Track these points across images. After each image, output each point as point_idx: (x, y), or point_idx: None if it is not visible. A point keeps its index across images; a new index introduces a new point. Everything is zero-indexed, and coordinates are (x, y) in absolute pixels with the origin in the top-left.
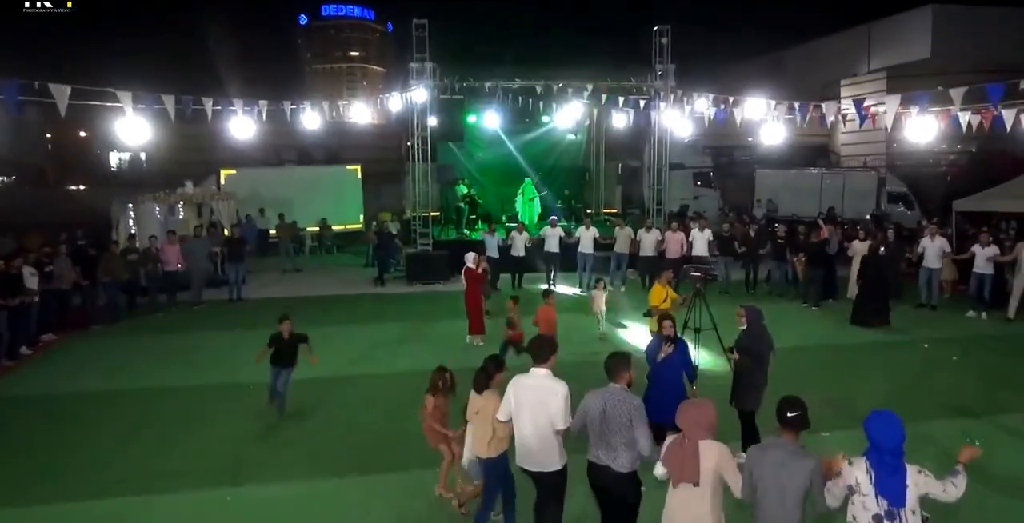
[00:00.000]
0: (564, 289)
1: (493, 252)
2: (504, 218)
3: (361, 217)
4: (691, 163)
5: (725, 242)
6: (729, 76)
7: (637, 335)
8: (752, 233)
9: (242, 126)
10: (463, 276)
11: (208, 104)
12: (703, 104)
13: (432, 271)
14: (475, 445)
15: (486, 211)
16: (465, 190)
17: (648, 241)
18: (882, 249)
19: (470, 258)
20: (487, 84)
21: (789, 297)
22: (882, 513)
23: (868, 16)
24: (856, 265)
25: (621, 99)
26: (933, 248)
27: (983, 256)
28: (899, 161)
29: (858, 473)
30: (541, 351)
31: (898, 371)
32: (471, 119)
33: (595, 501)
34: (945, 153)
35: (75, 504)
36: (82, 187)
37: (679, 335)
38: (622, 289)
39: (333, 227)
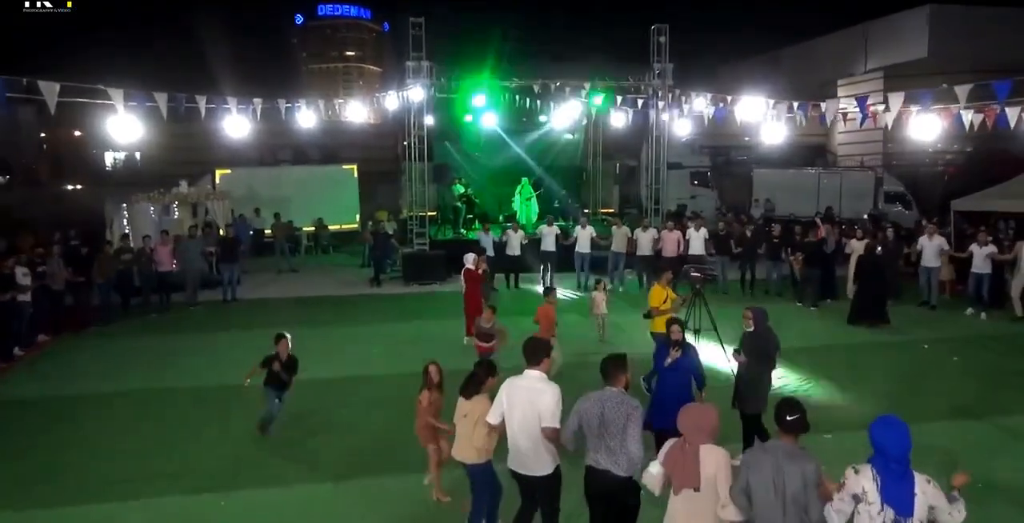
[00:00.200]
0: (561, 290)
1: (489, 252)
2: (501, 218)
3: (357, 217)
4: (688, 163)
5: (721, 241)
6: (725, 76)
7: (637, 337)
8: (748, 233)
9: (237, 125)
10: (463, 277)
11: (202, 102)
12: (701, 103)
13: (429, 271)
14: (460, 450)
15: (483, 211)
16: (462, 189)
17: (645, 241)
18: (879, 248)
19: (470, 259)
20: (484, 83)
21: (787, 297)
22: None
23: (865, 16)
24: (854, 265)
25: (619, 98)
26: (931, 247)
27: (981, 255)
28: (896, 161)
29: (864, 481)
30: (534, 353)
31: (898, 372)
32: (468, 118)
33: (588, 512)
34: (942, 153)
35: (72, 508)
36: (79, 187)
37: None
38: (620, 289)
39: (329, 227)
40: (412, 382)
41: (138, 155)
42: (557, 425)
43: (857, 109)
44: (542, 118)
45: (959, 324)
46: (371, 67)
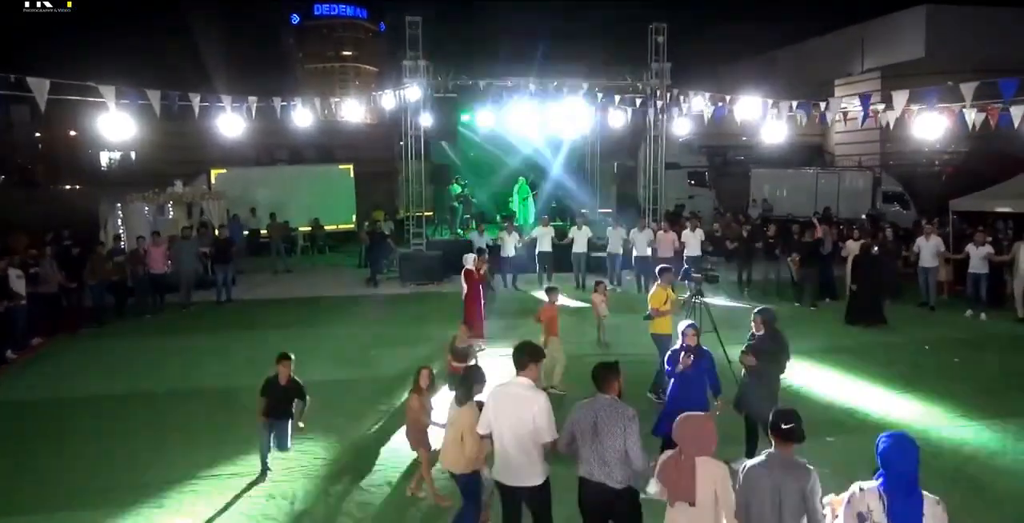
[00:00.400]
0: (561, 297)
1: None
2: (498, 218)
3: (354, 217)
4: (686, 163)
5: (717, 242)
6: (723, 76)
7: (637, 338)
8: (745, 233)
9: (231, 123)
10: (463, 278)
11: (195, 100)
12: (699, 103)
13: (426, 272)
14: (447, 458)
15: (480, 211)
16: (459, 189)
17: (641, 241)
18: (875, 248)
19: (469, 260)
20: (481, 82)
21: (786, 297)
22: None
23: (862, 16)
24: (851, 265)
25: (617, 98)
26: (928, 247)
27: (978, 256)
28: (893, 161)
29: (870, 500)
30: (523, 359)
31: (898, 373)
32: (465, 118)
33: None
34: (939, 153)
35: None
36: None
37: (679, 342)
38: (618, 290)
39: (325, 227)
40: (408, 385)
41: (133, 155)
42: (555, 435)
43: (858, 108)
44: (539, 117)
45: (959, 325)
46: (367, 67)
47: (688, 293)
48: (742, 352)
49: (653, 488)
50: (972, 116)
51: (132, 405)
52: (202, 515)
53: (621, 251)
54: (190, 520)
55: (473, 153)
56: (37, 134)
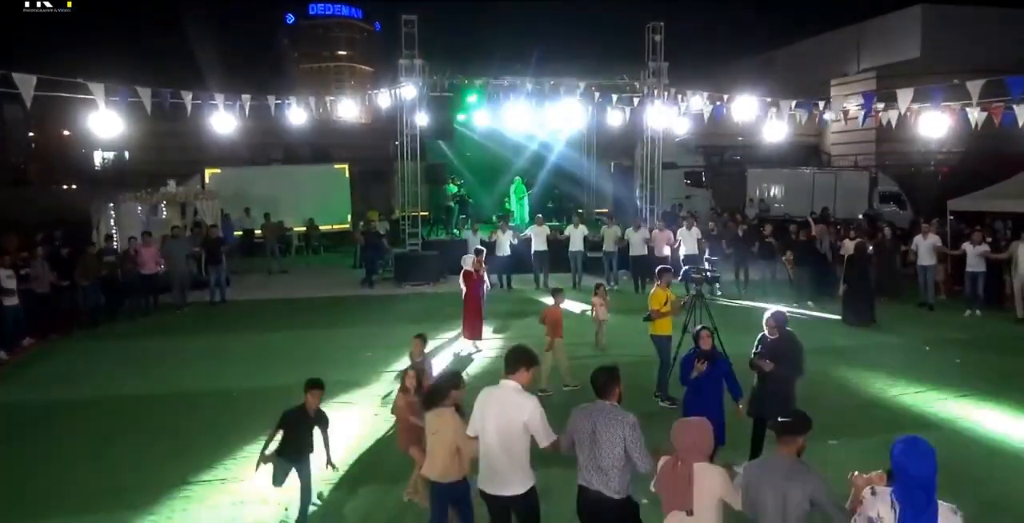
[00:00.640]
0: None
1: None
2: (494, 218)
3: (349, 217)
4: (683, 162)
5: (712, 241)
6: (719, 76)
7: (636, 340)
8: (741, 233)
9: (224, 122)
10: (461, 279)
11: (187, 98)
12: (697, 102)
13: (421, 272)
14: (431, 467)
15: (476, 211)
16: (455, 189)
17: (637, 240)
18: (870, 248)
19: (468, 261)
20: (477, 82)
21: (783, 297)
22: None
23: (858, 16)
24: (845, 264)
25: (614, 97)
26: (925, 246)
27: (974, 254)
28: (888, 161)
29: (881, 506)
30: (513, 362)
31: (900, 375)
32: (461, 117)
33: None
34: (934, 153)
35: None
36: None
37: (691, 345)
38: (616, 287)
39: (320, 227)
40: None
41: (127, 154)
42: (553, 437)
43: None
44: (536, 117)
45: (959, 325)
46: (362, 67)
47: (688, 293)
48: (755, 356)
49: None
50: (975, 115)
51: (123, 407)
52: (193, 521)
53: (616, 250)
54: None
55: (469, 153)
56: (30, 134)
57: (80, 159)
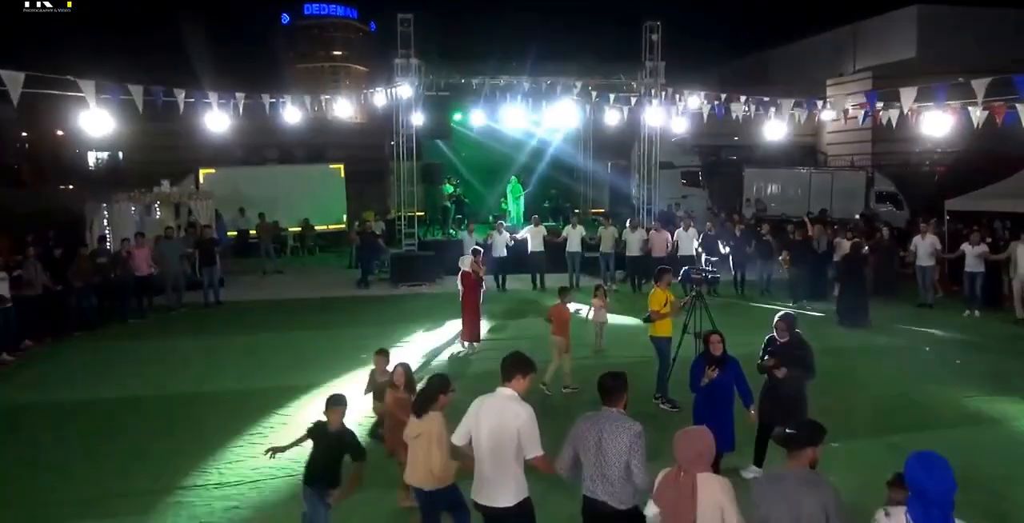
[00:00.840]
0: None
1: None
2: (491, 218)
3: (344, 217)
4: (679, 162)
5: (710, 241)
6: (714, 76)
7: (635, 341)
8: (738, 233)
9: (218, 121)
10: (459, 280)
11: (180, 96)
12: (694, 102)
13: (417, 272)
14: (413, 474)
15: (473, 211)
16: (452, 189)
17: (634, 241)
18: (865, 248)
19: (466, 262)
20: (474, 81)
21: (781, 297)
22: None
23: (854, 16)
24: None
25: (611, 96)
26: (923, 246)
27: (972, 254)
28: (884, 161)
29: None
30: (510, 369)
31: (901, 376)
32: (457, 117)
33: None
34: (930, 152)
35: None
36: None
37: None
38: (614, 287)
39: (316, 227)
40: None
41: (120, 155)
42: (541, 452)
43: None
44: (533, 116)
45: (958, 326)
46: (357, 67)
47: (688, 294)
48: (764, 359)
49: (651, 511)
50: (978, 114)
51: (118, 410)
52: None
53: (613, 251)
54: None
55: (466, 152)
56: (24, 134)
57: (74, 159)
